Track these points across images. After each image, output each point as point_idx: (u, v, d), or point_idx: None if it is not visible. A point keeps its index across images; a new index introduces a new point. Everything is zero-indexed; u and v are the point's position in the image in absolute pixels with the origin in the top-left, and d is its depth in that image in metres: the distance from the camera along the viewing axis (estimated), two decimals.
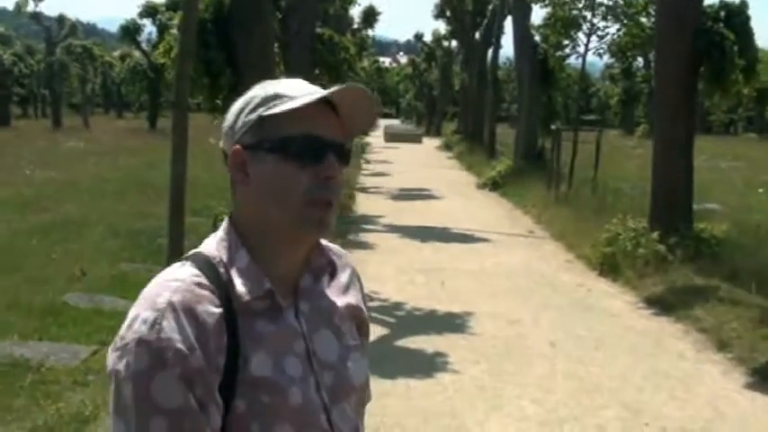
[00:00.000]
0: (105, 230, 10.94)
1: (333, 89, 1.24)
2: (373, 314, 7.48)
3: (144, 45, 40.26)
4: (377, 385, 5.40)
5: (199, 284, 1.21)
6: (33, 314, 6.92)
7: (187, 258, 1.28)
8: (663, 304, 7.97)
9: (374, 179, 21.61)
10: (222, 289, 1.22)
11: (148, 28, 38.83)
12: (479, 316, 7.48)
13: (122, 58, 55.95)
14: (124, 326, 1.19)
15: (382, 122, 60.26)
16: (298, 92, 1.26)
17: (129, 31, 39.11)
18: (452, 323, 7.26)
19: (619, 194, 13.41)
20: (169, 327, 1.15)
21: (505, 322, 7.31)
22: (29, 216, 12.40)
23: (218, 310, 1.20)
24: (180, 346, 1.14)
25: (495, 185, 18.80)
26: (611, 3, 14.46)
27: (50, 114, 47.89)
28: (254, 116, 1.26)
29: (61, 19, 48.46)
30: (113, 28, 44.79)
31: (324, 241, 1.40)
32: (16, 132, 36.45)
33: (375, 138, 42.97)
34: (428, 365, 6.06)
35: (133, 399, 1.14)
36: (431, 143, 39.60)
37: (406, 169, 24.31)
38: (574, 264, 10.24)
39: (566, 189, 14.57)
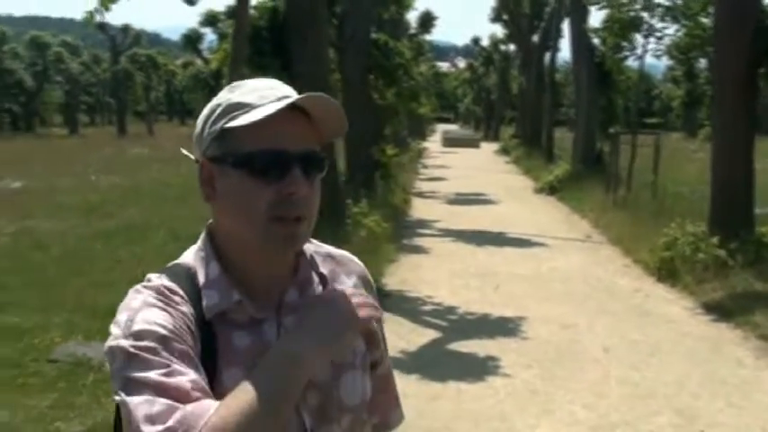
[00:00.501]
0: (167, 234, 11.20)
1: (296, 97, 1.20)
2: (426, 318, 7.53)
3: (205, 53, 41.03)
4: (428, 388, 5.49)
5: (171, 290, 1.20)
6: (97, 315, 7.12)
7: (164, 270, 1.26)
8: (722, 310, 7.82)
9: (431, 184, 21.65)
10: (196, 299, 1.21)
11: (210, 36, 39.55)
12: (533, 320, 7.45)
13: (185, 66, 57.25)
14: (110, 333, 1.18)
15: (440, 127, 60.34)
16: (262, 99, 1.21)
17: (191, 40, 39.95)
18: (505, 327, 7.25)
19: (678, 198, 13.17)
20: (142, 319, 1.14)
21: (559, 327, 7.27)
22: (94, 221, 12.79)
23: (190, 315, 1.19)
24: (151, 338, 1.12)
25: (552, 190, 18.67)
26: (669, 3, 14.21)
27: (116, 122, 49.21)
28: (217, 128, 1.22)
29: (126, 29, 49.74)
30: (176, 37, 45.80)
31: (326, 249, 1.38)
32: (83, 140, 37.58)
33: (433, 143, 43.04)
34: (479, 369, 6.06)
35: (122, 385, 1.11)
36: (489, 147, 39.45)
37: (463, 174, 24.29)
38: (631, 268, 10.10)
39: (624, 193, 14.38)
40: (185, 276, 1.24)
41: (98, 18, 4.94)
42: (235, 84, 1.27)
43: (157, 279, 1.23)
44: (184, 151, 1.46)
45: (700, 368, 6.18)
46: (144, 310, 1.16)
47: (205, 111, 1.27)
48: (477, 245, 11.65)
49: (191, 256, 1.28)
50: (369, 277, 1.43)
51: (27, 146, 31.32)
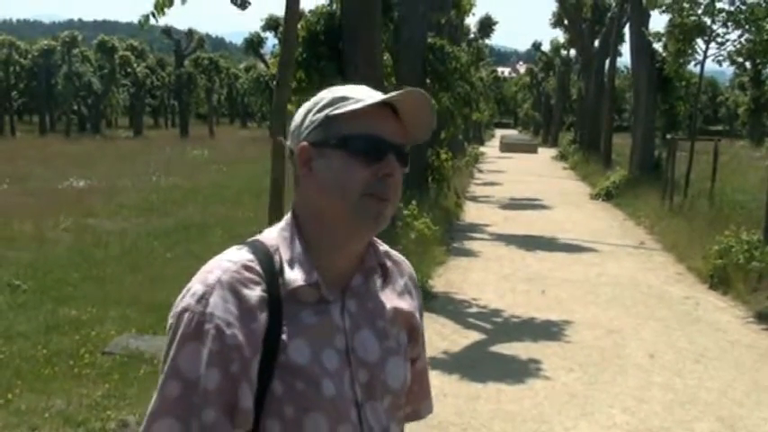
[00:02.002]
0: (222, 234, 11.47)
1: (393, 93, 1.32)
2: (470, 319, 7.58)
3: (267, 57, 41.58)
4: (468, 388, 5.55)
5: (248, 268, 1.30)
6: (151, 310, 7.36)
7: (246, 243, 1.37)
8: None
9: (485, 188, 21.60)
10: (272, 275, 1.31)
11: (271, 40, 40.08)
12: (578, 325, 7.44)
13: (247, 69, 58.13)
14: (180, 295, 1.30)
15: (498, 132, 60.00)
16: (363, 95, 1.35)
17: (253, 44, 40.55)
18: (549, 331, 7.25)
19: (737, 206, 12.92)
20: (213, 302, 1.25)
21: (604, 332, 7.24)
22: (153, 220, 13.15)
23: (262, 294, 1.29)
24: (219, 322, 1.24)
25: (608, 196, 18.48)
26: (732, 8, 13.91)
27: (179, 124, 50.22)
28: (321, 115, 1.35)
29: (190, 33, 50.69)
30: (240, 41, 46.54)
31: (384, 247, 1.48)
32: (147, 141, 38.42)
33: (490, 148, 42.86)
34: (520, 371, 6.09)
35: (169, 358, 1.26)
36: (546, 153, 39.11)
37: (519, 179, 24.16)
38: (684, 276, 9.98)
39: (681, 200, 14.17)
40: (265, 254, 1.34)
41: (152, 22, 5.13)
42: (335, 87, 1.41)
43: (238, 253, 1.34)
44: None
45: (746, 376, 6.10)
46: (217, 290, 1.27)
47: (306, 105, 1.40)
48: (528, 249, 11.62)
49: (274, 235, 1.39)
50: (416, 279, 1.56)
51: (93, 147, 32.18)
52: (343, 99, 1.35)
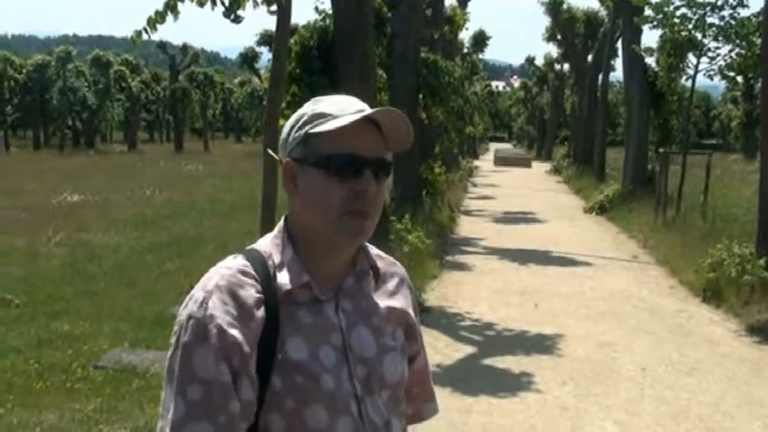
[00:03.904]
0: (216, 248, 11.45)
1: (371, 110, 1.39)
2: (463, 333, 7.59)
3: (262, 71, 41.71)
4: (460, 401, 5.55)
5: (244, 273, 1.38)
6: (143, 324, 7.37)
7: (242, 252, 1.45)
8: (766, 332, 7.71)
9: (479, 202, 21.65)
10: (267, 279, 1.39)
11: (266, 55, 40.21)
12: (570, 338, 7.45)
13: (242, 84, 58.23)
14: (183, 304, 1.38)
15: (492, 146, 60.14)
16: (342, 111, 1.39)
17: (247, 59, 40.72)
18: (542, 344, 7.26)
19: (730, 220, 12.96)
20: (213, 305, 1.33)
21: (597, 345, 7.25)
22: (147, 234, 13.13)
23: (259, 295, 1.36)
24: (220, 321, 1.32)
25: (602, 209, 18.53)
26: (722, 23, 14.01)
27: (174, 138, 50.21)
28: (301, 133, 1.41)
29: (185, 48, 50.81)
30: (235, 56, 46.68)
31: (375, 250, 1.55)
32: (141, 156, 38.42)
33: (484, 161, 42.98)
34: (513, 385, 6.10)
35: (179, 366, 1.33)
36: (540, 167, 39.22)
37: (513, 193, 24.23)
38: (677, 289, 10.00)
39: (673, 214, 14.21)
40: (259, 260, 1.41)
41: (145, 37, 5.18)
42: (318, 98, 1.46)
43: (234, 261, 1.42)
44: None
45: (737, 389, 6.12)
46: (216, 294, 1.34)
47: (291, 119, 1.45)
48: (521, 263, 11.64)
49: (267, 243, 1.46)
50: (409, 280, 1.62)
51: (87, 161, 32.17)
52: (322, 116, 1.39)
